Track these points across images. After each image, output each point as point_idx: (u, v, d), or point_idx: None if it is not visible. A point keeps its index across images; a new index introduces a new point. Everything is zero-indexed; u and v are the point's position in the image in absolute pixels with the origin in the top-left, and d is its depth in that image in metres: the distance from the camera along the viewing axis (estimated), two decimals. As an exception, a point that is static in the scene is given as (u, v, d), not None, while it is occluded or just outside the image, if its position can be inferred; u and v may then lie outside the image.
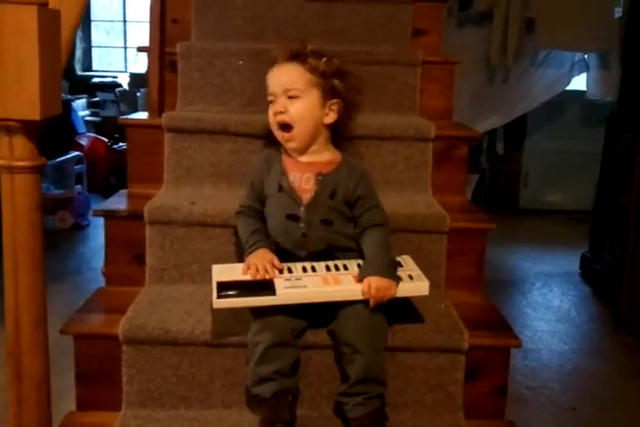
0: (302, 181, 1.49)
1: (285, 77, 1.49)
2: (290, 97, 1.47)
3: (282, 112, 1.48)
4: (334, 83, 1.49)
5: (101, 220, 1.68)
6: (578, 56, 4.07)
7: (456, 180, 1.89)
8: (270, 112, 1.51)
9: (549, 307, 3.14)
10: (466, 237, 1.69)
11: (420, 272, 1.47)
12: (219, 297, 1.34)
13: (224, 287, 1.36)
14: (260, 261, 1.40)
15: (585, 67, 4.10)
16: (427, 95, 2.05)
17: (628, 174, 3.07)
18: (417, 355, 1.47)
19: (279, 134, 1.52)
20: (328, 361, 1.46)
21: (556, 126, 4.93)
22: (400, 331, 1.46)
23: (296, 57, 1.49)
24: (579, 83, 4.33)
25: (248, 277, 1.39)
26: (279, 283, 1.37)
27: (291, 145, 1.51)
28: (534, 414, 2.13)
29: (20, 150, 1.15)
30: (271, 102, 1.51)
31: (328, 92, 1.50)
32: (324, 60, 1.49)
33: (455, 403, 1.50)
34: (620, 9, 3.79)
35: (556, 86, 4.11)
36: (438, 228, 1.67)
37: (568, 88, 4.23)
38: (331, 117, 1.52)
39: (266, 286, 1.36)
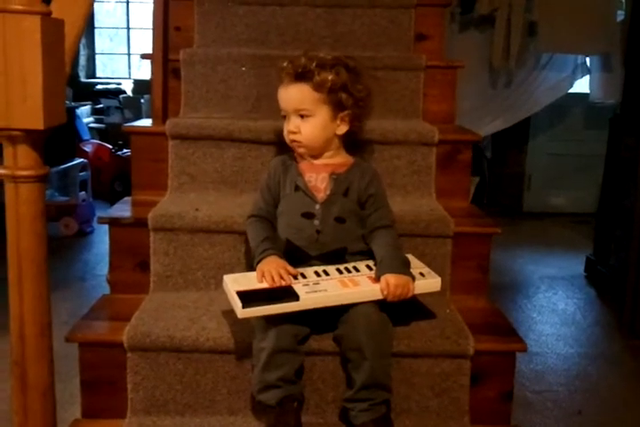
0: (318, 181, 1.52)
1: (294, 99, 1.50)
2: (301, 115, 1.50)
3: (295, 133, 1.51)
4: (342, 97, 1.50)
5: (106, 226, 1.68)
6: (580, 59, 4.07)
7: (460, 184, 1.88)
8: (285, 129, 1.54)
9: (554, 310, 3.13)
10: (470, 241, 1.69)
11: (429, 269, 1.51)
12: (244, 307, 1.33)
13: (245, 297, 1.35)
14: (275, 268, 1.40)
15: (587, 70, 4.10)
16: (430, 100, 2.05)
17: (631, 176, 3.07)
18: (422, 360, 1.47)
19: (291, 144, 1.55)
20: (332, 367, 1.46)
21: (560, 129, 4.93)
22: (405, 337, 1.46)
23: (302, 77, 1.49)
24: (582, 85, 4.33)
25: (265, 285, 1.39)
26: (299, 288, 1.37)
27: (301, 150, 1.54)
28: (540, 419, 2.12)
29: (24, 160, 1.15)
30: (284, 117, 1.54)
31: (338, 106, 1.51)
32: (331, 75, 1.49)
33: (461, 408, 1.49)
34: (623, 12, 3.79)
35: (558, 89, 4.11)
36: (442, 232, 1.67)
37: (571, 91, 4.23)
38: (343, 128, 1.54)
39: (287, 293, 1.36)
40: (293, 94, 1.50)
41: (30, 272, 1.19)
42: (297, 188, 1.52)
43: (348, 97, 1.51)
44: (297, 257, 1.47)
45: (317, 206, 1.49)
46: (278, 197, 1.55)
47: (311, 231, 1.48)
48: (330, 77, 1.48)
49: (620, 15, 3.81)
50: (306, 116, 1.50)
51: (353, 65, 1.54)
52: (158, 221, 1.65)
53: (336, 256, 1.49)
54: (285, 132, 1.54)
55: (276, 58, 1.97)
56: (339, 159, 1.56)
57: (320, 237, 1.48)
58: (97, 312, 1.61)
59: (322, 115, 1.50)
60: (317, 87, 1.48)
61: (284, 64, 1.52)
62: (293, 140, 1.53)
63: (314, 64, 1.49)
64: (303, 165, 1.55)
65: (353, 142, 1.73)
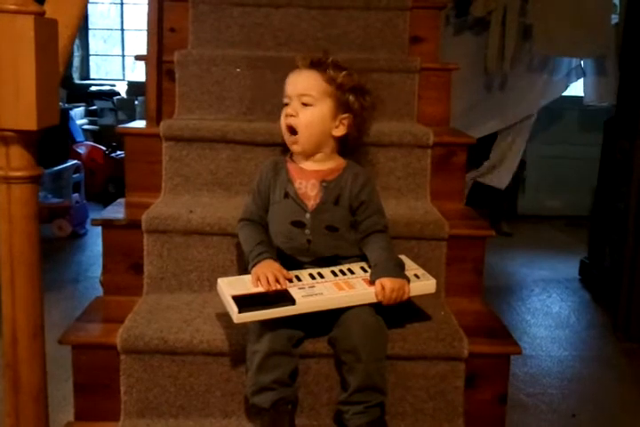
0: (308, 188, 1.51)
1: (302, 83, 1.51)
2: (303, 103, 1.49)
3: (292, 115, 1.50)
4: (349, 98, 1.51)
5: (99, 228, 1.68)
6: (575, 62, 4.08)
7: (455, 186, 1.88)
8: (282, 114, 1.53)
9: (548, 313, 3.13)
10: (465, 243, 1.69)
11: (423, 271, 1.51)
12: (240, 311, 1.32)
13: (241, 301, 1.34)
14: (270, 272, 1.40)
15: (582, 72, 4.11)
16: (425, 102, 2.05)
17: (625, 180, 3.07)
18: (417, 363, 1.47)
19: (286, 136, 1.54)
20: (327, 370, 1.46)
21: (554, 132, 4.93)
22: (400, 339, 1.45)
23: (317, 65, 1.52)
24: (577, 89, 4.34)
25: (261, 289, 1.38)
26: (295, 292, 1.36)
27: (295, 148, 1.53)
28: (534, 421, 2.12)
29: (17, 160, 1.15)
30: (286, 104, 1.53)
31: (341, 106, 1.51)
32: (344, 73, 1.51)
33: (455, 411, 1.49)
34: (617, 16, 3.80)
35: (552, 92, 4.11)
36: (437, 234, 1.67)
37: (566, 94, 4.24)
38: (340, 131, 1.53)
39: (283, 297, 1.35)
40: (303, 79, 1.51)
41: (23, 274, 1.18)
42: (286, 195, 1.50)
43: (355, 100, 1.51)
44: (289, 263, 1.47)
45: (307, 215, 1.48)
46: (268, 201, 1.54)
47: (302, 240, 1.47)
48: (342, 74, 1.50)
49: (615, 19, 3.82)
50: (308, 105, 1.49)
51: (364, 82, 1.56)
52: (152, 223, 1.64)
53: (329, 262, 1.49)
54: (282, 117, 1.53)
55: (271, 59, 1.98)
56: (330, 164, 1.54)
57: (311, 247, 1.48)
58: (90, 314, 1.60)
59: (324, 107, 1.50)
60: (328, 79, 1.50)
61: (302, 55, 1.55)
62: (289, 127, 1.51)
63: (330, 59, 1.53)
64: (293, 171, 1.53)
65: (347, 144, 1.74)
